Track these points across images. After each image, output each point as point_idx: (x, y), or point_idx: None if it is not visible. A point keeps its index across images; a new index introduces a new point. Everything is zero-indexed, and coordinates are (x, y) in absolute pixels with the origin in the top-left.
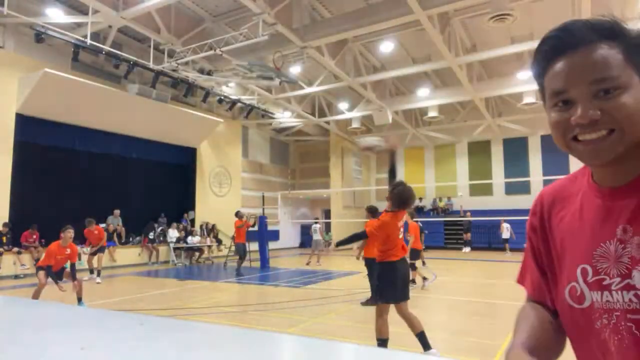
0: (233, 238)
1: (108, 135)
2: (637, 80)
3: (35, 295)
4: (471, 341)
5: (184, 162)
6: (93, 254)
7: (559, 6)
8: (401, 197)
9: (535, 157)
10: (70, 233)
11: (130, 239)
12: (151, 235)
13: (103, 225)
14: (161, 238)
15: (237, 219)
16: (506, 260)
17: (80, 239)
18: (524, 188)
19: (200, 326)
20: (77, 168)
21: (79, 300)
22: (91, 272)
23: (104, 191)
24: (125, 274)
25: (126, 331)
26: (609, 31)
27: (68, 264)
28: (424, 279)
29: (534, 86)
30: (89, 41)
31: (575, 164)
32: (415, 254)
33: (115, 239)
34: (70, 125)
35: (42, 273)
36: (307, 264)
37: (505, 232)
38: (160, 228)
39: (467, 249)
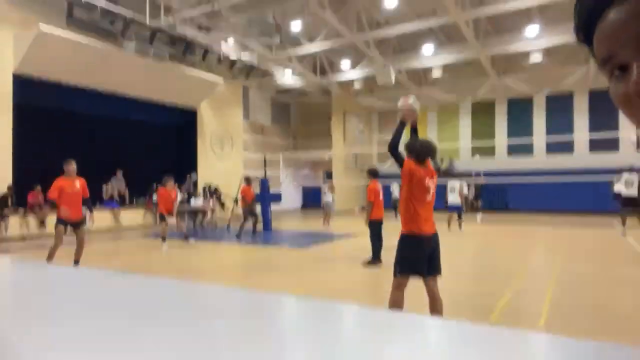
0: (236, 201)
1: (107, 96)
2: None
3: (51, 254)
4: (468, 302)
5: (184, 124)
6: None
7: None
8: (418, 151)
9: (540, 118)
10: (72, 165)
11: (134, 200)
12: (154, 197)
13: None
14: None
15: (245, 184)
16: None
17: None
18: (527, 149)
19: (213, 290)
20: (76, 130)
21: (76, 262)
22: (186, 237)
23: (104, 153)
24: (131, 236)
25: (140, 293)
26: None
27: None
28: None
29: (541, 43)
30: None
31: (579, 125)
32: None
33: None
34: (68, 86)
35: (59, 230)
36: (323, 224)
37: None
38: None
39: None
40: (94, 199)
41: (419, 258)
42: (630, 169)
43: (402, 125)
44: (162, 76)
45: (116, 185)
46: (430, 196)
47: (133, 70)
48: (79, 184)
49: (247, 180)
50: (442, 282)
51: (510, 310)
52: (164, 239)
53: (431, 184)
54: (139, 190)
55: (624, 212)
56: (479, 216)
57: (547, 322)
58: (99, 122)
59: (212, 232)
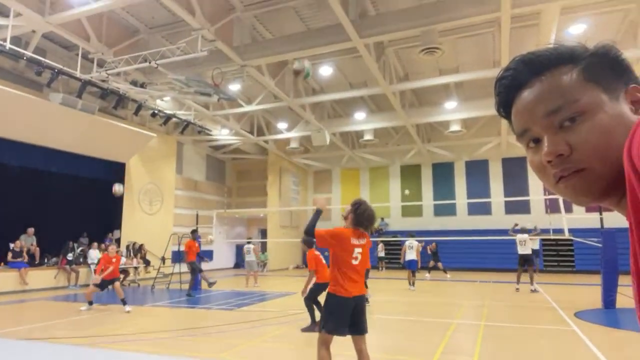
0: (163, 260)
1: (25, 146)
2: (605, 99)
3: None
4: (403, 359)
5: (110, 178)
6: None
7: (482, 43)
8: (361, 216)
9: (461, 181)
10: None
11: (46, 260)
12: (70, 257)
13: (16, 242)
14: (81, 259)
15: (191, 239)
16: (435, 279)
17: None
18: (451, 210)
19: (132, 357)
20: None
21: None
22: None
23: (17, 207)
24: (39, 298)
25: None
26: (568, 55)
27: None
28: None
29: (459, 115)
30: (8, 45)
31: (495, 189)
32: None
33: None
34: None
35: None
36: (247, 285)
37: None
38: (81, 248)
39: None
40: None
41: (341, 318)
42: (522, 230)
43: (318, 214)
44: (89, 129)
45: (27, 243)
46: (358, 261)
47: (58, 122)
48: None
49: (193, 234)
50: (378, 340)
51: None
52: (90, 302)
53: (360, 248)
54: (55, 249)
55: (518, 269)
56: (429, 275)
57: None
58: (13, 173)
59: (134, 293)
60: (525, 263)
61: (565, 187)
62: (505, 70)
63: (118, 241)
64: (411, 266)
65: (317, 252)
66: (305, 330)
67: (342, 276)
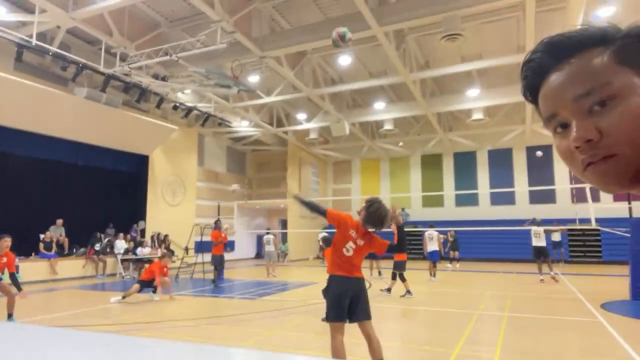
0: (186, 250)
1: (53, 140)
2: (638, 82)
3: None
4: (424, 350)
5: (134, 170)
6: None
7: (505, 28)
8: (372, 214)
9: (483, 171)
10: (6, 242)
11: (74, 250)
12: (97, 247)
13: (43, 234)
14: (108, 249)
15: (216, 229)
16: (457, 270)
17: None
18: (473, 200)
19: (156, 344)
20: (17, 174)
21: (9, 316)
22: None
23: (46, 199)
24: (68, 287)
25: (76, 350)
26: (599, 37)
27: (5, 276)
28: (408, 292)
29: (481, 103)
30: (34, 41)
31: (519, 179)
32: (397, 264)
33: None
34: (11, 128)
35: None
36: (268, 275)
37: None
38: (107, 239)
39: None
40: (30, 249)
41: (338, 304)
42: (538, 223)
43: (302, 200)
44: (113, 123)
45: (55, 233)
46: (350, 253)
47: (83, 116)
48: (5, 259)
49: (217, 224)
50: (401, 330)
51: (464, 358)
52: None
53: (353, 244)
54: (82, 239)
55: (536, 261)
56: (451, 266)
57: None
58: (42, 166)
59: None
60: (540, 255)
61: (593, 174)
62: (533, 52)
63: (143, 232)
64: (433, 257)
65: None
66: (325, 319)
67: (335, 256)
